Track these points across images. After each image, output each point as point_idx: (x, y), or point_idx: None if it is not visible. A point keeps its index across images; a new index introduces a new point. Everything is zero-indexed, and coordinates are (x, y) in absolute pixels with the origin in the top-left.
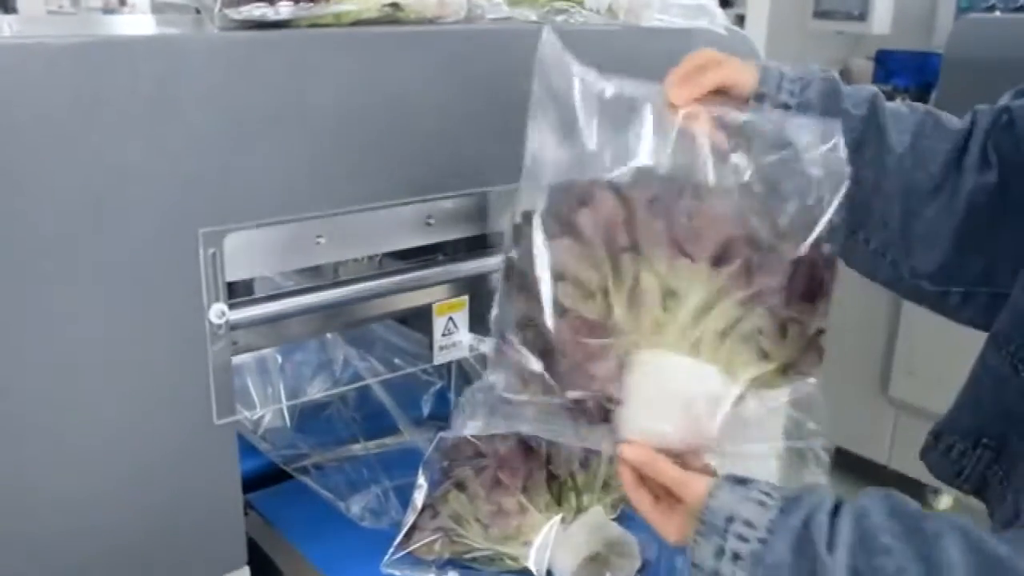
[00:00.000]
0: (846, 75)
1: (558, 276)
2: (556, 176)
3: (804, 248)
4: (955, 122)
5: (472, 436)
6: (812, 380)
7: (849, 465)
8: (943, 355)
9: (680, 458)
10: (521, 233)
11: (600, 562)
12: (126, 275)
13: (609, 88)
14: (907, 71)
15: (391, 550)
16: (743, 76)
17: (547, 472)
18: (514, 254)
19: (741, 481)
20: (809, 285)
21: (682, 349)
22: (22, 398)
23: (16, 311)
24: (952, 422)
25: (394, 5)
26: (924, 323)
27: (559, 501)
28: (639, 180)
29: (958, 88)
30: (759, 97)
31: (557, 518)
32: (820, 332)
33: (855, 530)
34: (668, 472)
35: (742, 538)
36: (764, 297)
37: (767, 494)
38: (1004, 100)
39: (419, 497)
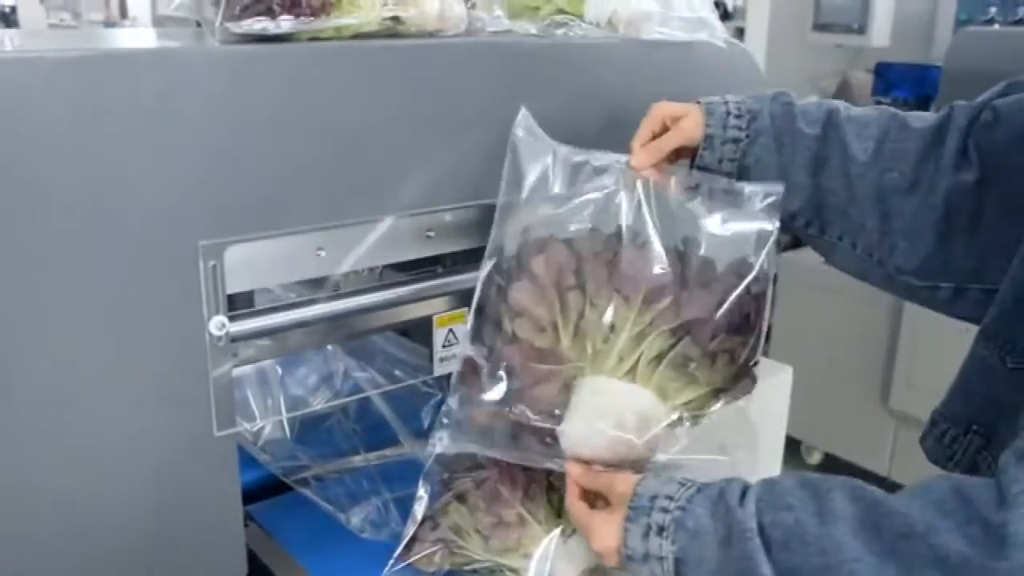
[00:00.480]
0: (846, 87)
1: (517, 313)
2: (521, 231)
3: (731, 290)
4: (926, 118)
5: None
6: (741, 404)
7: (848, 476)
8: (943, 367)
9: (613, 471)
10: (491, 281)
11: (600, 574)
12: (126, 287)
13: (576, 157)
14: (907, 83)
15: (391, 562)
16: (697, 129)
17: (547, 484)
18: (484, 300)
19: (663, 475)
20: (736, 321)
21: (620, 375)
22: (22, 406)
23: (16, 321)
24: (945, 409)
25: (395, 18)
26: (924, 335)
27: (559, 513)
28: (589, 237)
29: (958, 100)
30: (708, 139)
31: (557, 530)
32: (753, 362)
33: (764, 495)
34: (600, 478)
35: (664, 510)
36: (691, 328)
37: (687, 479)
38: (984, 96)
39: (419, 509)
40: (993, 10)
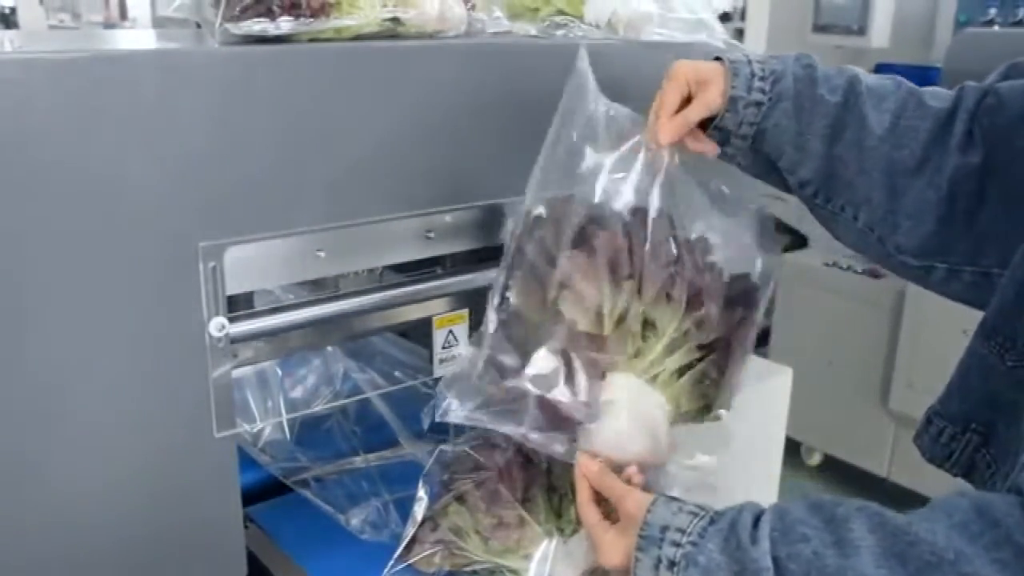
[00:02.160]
0: None
1: (564, 285)
2: (562, 184)
3: (753, 314)
4: (942, 97)
5: (471, 449)
6: (722, 417)
7: (848, 477)
8: (943, 367)
9: (625, 479)
10: (533, 231)
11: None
12: (126, 288)
13: (617, 111)
14: None
15: (391, 563)
16: (720, 98)
17: (548, 485)
18: (525, 244)
19: (674, 498)
20: (734, 345)
21: (647, 378)
22: (21, 407)
23: (14, 324)
24: (943, 407)
25: (394, 20)
26: (925, 335)
27: (559, 514)
28: (638, 218)
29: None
30: (732, 101)
31: (557, 532)
32: (735, 381)
33: (776, 525)
34: (614, 487)
35: (675, 543)
36: (716, 348)
37: (699, 507)
38: (991, 78)
39: (419, 510)
40: (993, 11)
